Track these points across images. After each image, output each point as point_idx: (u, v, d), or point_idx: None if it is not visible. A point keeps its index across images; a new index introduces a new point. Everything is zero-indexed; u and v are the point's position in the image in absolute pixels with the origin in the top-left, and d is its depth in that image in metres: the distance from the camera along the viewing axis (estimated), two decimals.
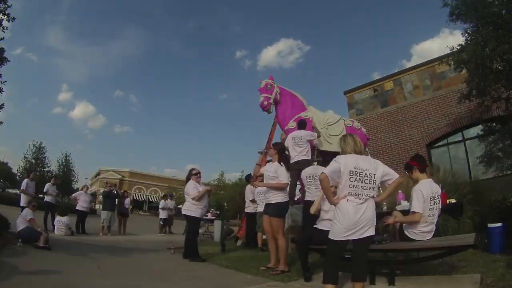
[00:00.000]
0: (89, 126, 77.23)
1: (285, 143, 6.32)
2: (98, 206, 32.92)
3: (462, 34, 6.22)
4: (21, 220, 5.40)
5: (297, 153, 6.22)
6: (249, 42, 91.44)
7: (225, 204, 27.03)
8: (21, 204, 7.31)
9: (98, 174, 46.32)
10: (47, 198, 8.30)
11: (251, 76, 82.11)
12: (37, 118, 74.03)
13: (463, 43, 6.10)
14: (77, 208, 8.65)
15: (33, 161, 30.49)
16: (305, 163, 6.19)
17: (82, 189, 9.49)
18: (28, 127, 69.86)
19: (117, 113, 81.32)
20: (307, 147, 6.19)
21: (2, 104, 6.57)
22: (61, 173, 32.45)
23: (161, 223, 11.16)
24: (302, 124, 6.57)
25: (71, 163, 35.87)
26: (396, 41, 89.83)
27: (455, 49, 6.26)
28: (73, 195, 9.74)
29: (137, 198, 43.94)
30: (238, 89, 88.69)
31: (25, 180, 7.79)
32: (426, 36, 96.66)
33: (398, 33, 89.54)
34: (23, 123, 70.42)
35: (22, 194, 7.71)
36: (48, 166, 31.74)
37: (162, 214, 11.12)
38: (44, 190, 8.46)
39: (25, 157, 30.51)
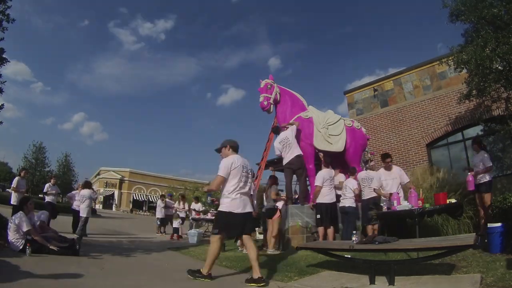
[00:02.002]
0: (94, 139, 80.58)
1: (276, 152, 6.84)
2: (98, 206, 32.97)
3: (462, 34, 6.24)
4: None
5: (287, 153, 6.58)
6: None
7: None
8: (11, 202, 7.21)
9: (98, 174, 46.31)
10: (48, 199, 8.30)
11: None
12: (50, 131, 76.35)
13: (462, 44, 6.12)
14: (72, 207, 8.55)
15: (33, 161, 30.45)
16: (297, 160, 6.49)
17: (77, 188, 9.43)
18: (37, 135, 71.59)
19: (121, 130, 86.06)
20: (294, 142, 6.62)
21: (2, 105, 6.58)
22: (61, 173, 32.48)
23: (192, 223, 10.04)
24: (276, 129, 7.26)
25: (71, 163, 35.93)
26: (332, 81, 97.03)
27: (455, 49, 6.26)
28: (68, 194, 9.55)
29: (137, 198, 43.98)
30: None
31: (16, 178, 7.59)
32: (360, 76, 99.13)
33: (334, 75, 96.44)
34: (35, 132, 72.37)
35: (13, 192, 7.61)
36: (48, 166, 31.74)
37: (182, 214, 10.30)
38: (44, 191, 8.43)
39: (25, 157, 30.48)
